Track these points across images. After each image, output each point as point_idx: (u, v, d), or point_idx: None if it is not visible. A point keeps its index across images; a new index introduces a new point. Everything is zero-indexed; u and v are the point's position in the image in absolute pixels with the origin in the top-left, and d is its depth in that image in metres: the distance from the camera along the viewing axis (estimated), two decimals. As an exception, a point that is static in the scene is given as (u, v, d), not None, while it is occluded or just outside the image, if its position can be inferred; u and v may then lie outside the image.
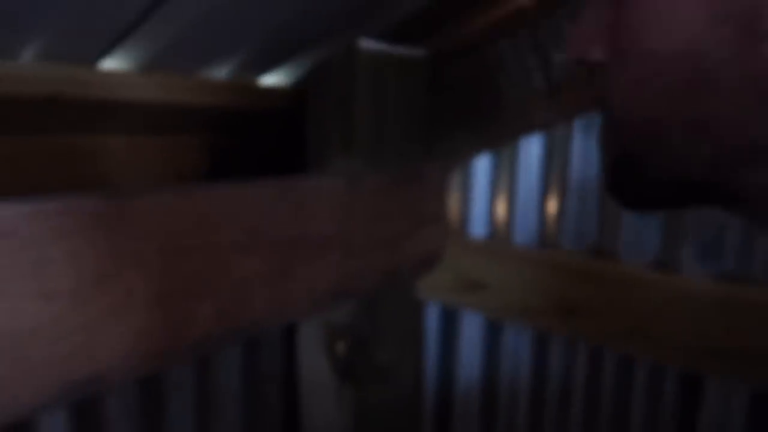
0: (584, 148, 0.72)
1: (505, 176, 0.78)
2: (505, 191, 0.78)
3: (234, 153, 0.75)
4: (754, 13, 0.21)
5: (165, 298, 0.41)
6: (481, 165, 0.79)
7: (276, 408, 0.71)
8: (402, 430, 0.77)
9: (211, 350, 0.59)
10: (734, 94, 0.22)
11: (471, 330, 0.82)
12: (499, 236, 0.78)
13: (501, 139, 0.74)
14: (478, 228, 0.80)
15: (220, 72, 0.67)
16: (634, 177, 0.27)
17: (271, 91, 0.73)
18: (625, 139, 0.26)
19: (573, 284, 0.69)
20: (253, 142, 0.76)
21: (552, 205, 0.75)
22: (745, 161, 0.23)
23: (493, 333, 0.80)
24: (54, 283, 0.35)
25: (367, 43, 0.66)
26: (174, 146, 0.72)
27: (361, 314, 0.69)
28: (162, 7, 0.52)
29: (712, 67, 0.22)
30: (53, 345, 0.35)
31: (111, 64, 0.58)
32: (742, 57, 0.22)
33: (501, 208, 0.79)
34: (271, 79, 0.72)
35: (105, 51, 0.56)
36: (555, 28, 0.64)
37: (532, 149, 0.75)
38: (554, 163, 0.74)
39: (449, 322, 0.84)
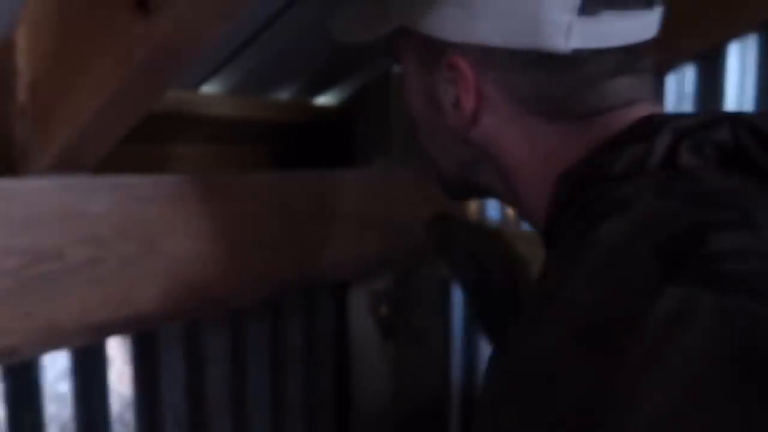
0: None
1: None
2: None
3: (292, 159, 0.93)
4: None
5: (267, 246, 0.59)
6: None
7: (329, 361, 0.88)
8: (433, 382, 0.92)
9: (289, 292, 0.77)
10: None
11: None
12: (508, 220, 0.95)
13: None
14: (492, 213, 0.97)
15: (284, 94, 0.86)
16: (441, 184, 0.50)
17: (323, 109, 0.91)
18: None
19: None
20: (308, 150, 0.94)
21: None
22: (471, 170, 0.45)
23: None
24: (205, 227, 0.53)
25: (397, 68, 0.84)
26: (248, 153, 0.90)
27: (400, 284, 0.86)
28: (247, 47, 0.71)
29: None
30: (199, 270, 0.53)
31: (207, 88, 0.77)
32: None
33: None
34: (323, 99, 0.91)
35: (205, 78, 0.74)
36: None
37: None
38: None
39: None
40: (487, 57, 0.40)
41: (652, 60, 0.40)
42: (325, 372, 0.87)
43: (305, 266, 0.66)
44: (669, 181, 0.33)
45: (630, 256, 0.30)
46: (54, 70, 0.45)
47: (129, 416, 0.73)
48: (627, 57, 0.38)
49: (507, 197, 0.45)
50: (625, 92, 0.39)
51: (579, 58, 0.37)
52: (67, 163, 0.48)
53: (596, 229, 0.32)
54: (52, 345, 0.46)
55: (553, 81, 0.39)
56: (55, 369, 0.64)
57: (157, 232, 0.52)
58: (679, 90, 0.76)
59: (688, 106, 0.76)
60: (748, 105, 0.73)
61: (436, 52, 0.41)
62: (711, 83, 0.74)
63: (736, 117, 0.35)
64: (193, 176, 0.55)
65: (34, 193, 0.46)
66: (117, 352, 1.04)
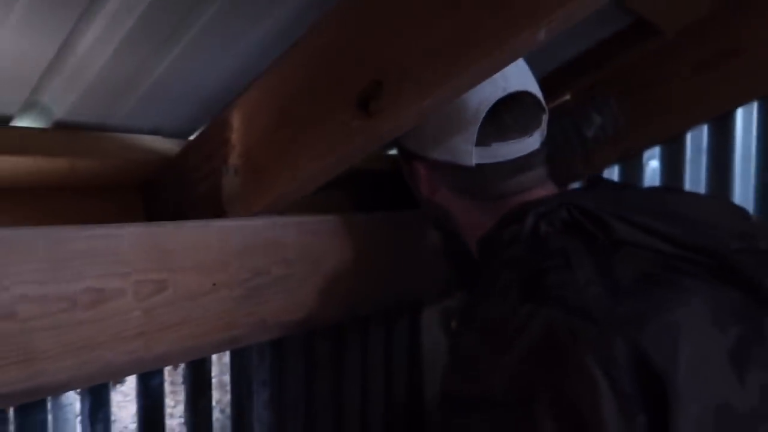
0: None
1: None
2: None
3: (368, 203, 1.13)
4: None
5: (377, 270, 0.78)
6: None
7: (404, 374, 1.05)
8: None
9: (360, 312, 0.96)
10: None
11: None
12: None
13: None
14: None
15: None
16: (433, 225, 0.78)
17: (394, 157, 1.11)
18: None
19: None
20: (381, 194, 1.14)
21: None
22: (443, 219, 0.74)
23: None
24: (346, 254, 0.72)
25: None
26: (332, 197, 1.09)
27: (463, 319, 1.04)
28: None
29: None
30: (344, 284, 0.72)
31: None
32: None
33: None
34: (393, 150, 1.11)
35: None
36: (586, 115, 1.01)
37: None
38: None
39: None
40: (431, 165, 0.70)
41: (542, 158, 0.68)
42: (401, 381, 1.05)
43: (400, 287, 0.85)
44: (531, 245, 0.60)
45: (508, 290, 0.56)
46: (266, 144, 0.64)
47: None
48: (515, 165, 0.66)
49: (465, 241, 0.74)
50: (517, 185, 0.67)
51: (482, 167, 0.66)
52: (268, 210, 0.67)
53: (497, 274, 0.59)
54: (260, 337, 0.65)
55: (470, 179, 0.68)
56: (221, 363, 0.82)
57: (320, 256, 0.71)
58: (697, 145, 0.97)
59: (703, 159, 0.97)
60: (751, 160, 0.93)
61: (409, 157, 0.72)
62: (722, 141, 0.95)
63: (572, 201, 0.60)
64: (342, 217, 0.75)
65: (250, 229, 0.65)
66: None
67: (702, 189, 0.98)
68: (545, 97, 1.05)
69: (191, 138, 0.82)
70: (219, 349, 0.61)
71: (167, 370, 0.74)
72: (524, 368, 0.51)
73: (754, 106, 0.93)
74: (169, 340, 0.56)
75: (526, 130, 0.65)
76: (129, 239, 0.53)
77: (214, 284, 0.59)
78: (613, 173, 1.07)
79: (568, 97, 1.05)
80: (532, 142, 0.66)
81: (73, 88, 0.64)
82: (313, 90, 0.59)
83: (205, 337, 0.59)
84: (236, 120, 0.67)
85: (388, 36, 0.53)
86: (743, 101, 0.92)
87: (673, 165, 1.00)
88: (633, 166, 1.04)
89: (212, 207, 0.70)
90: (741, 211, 0.65)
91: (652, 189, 0.88)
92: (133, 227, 0.53)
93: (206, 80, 0.71)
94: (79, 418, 0.66)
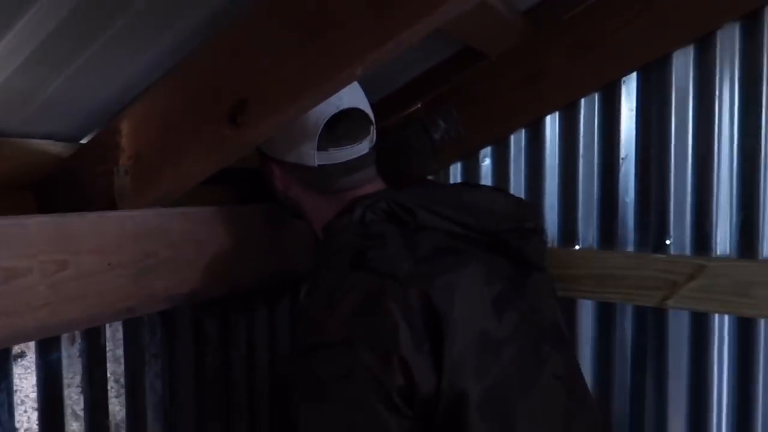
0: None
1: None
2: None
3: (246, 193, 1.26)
4: None
5: (258, 252, 0.93)
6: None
7: (286, 346, 1.21)
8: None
9: (240, 288, 1.10)
10: None
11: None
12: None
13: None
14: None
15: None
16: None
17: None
18: None
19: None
20: (256, 186, 1.28)
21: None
22: (296, 210, 0.95)
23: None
24: (227, 239, 0.86)
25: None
26: (212, 192, 1.22)
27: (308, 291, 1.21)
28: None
29: None
30: (226, 265, 0.87)
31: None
32: None
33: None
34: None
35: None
36: (433, 120, 1.21)
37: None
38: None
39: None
40: (284, 166, 0.88)
41: (371, 161, 0.88)
42: (284, 352, 1.20)
43: (275, 267, 1.01)
44: (358, 229, 0.79)
45: (342, 260, 0.75)
46: (153, 149, 0.77)
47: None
48: (348, 166, 0.85)
49: (315, 230, 0.92)
50: (350, 181, 0.86)
51: (323, 167, 0.84)
52: (155, 203, 0.80)
53: (333, 253, 0.78)
54: (151, 308, 0.78)
55: (314, 177, 0.86)
56: (114, 339, 0.93)
57: (203, 241, 0.85)
58: (518, 146, 1.21)
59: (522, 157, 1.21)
60: (556, 157, 1.18)
61: (266, 160, 0.90)
62: (536, 143, 1.19)
63: (390, 196, 0.81)
64: (220, 208, 0.89)
65: (141, 218, 0.77)
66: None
67: (522, 181, 1.22)
68: (402, 106, 1.24)
69: (82, 142, 0.92)
70: (117, 318, 0.73)
71: (64, 345, 0.85)
72: (350, 318, 0.70)
73: (557, 115, 1.18)
74: (71, 310, 0.68)
75: (356, 139, 0.84)
76: (36, 226, 0.64)
77: (110, 264, 0.72)
78: (456, 169, 1.28)
79: (419, 105, 1.25)
80: (362, 148, 0.85)
81: (-26, 98, 0.73)
82: (193, 105, 0.73)
83: (103, 307, 0.71)
84: (126, 127, 0.80)
85: (253, 65, 0.69)
86: (549, 112, 1.17)
87: (501, 162, 1.24)
88: (471, 164, 1.26)
89: (104, 203, 0.81)
90: (516, 199, 0.90)
91: (454, 186, 1.15)
92: (40, 217, 0.65)
93: (97, 93, 0.82)
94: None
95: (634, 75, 1.12)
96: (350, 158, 0.84)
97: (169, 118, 0.75)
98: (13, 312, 0.62)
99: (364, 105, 0.86)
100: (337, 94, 0.77)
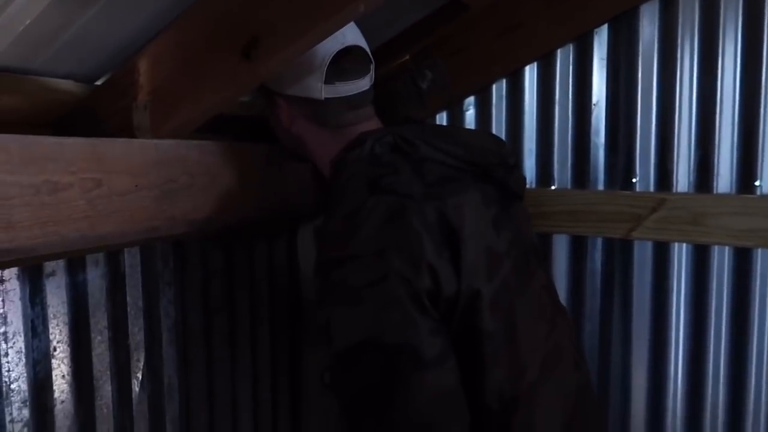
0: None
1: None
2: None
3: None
4: None
5: (262, 185, 1.02)
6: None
7: (284, 278, 1.31)
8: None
9: (248, 219, 1.19)
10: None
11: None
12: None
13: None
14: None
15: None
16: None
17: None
18: None
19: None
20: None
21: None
22: (297, 147, 1.03)
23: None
24: (235, 171, 0.95)
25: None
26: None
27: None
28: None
29: None
30: (236, 194, 0.95)
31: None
32: None
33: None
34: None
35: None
36: (421, 71, 1.30)
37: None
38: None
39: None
40: (291, 100, 0.94)
41: (371, 98, 0.96)
42: (282, 283, 1.30)
43: (279, 202, 1.10)
44: (370, 160, 0.87)
45: (358, 187, 0.83)
46: (171, 85, 0.85)
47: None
48: (352, 101, 0.93)
49: (317, 165, 1.00)
50: (354, 117, 0.95)
51: (329, 101, 0.92)
52: (172, 136, 0.87)
53: (347, 182, 0.86)
54: (171, 230, 0.86)
55: (320, 110, 0.94)
56: (133, 265, 1.01)
57: (216, 172, 0.93)
58: (499, 94, 1.30)
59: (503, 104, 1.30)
60: (534, 104, 1.28)
61: (273, 96, 0.96)
62: (515, 91, 1.28)
63: (395, 132, 0.89)
64: (230, 143, 0.97)
65: (163, 146, 0.85)
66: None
67: (503, 127, 1.32)
68: (392, 58, 1.32)
69: (98, 82, 0.99)
70: (142, 236, 0.82)
71: (89, 267, 0.93)
72: (377, 232, 0.78)
73: (535, 66, 1.27)
74: (106, 224, 0.76)
75: (359, 74, 0.92)
76: (75, 146, 0.72)
77: (137, 185, 0.80)
78: (442, 117, 1.38)
79: (407, 57, 1.33)
80: (364, 84, 0.94)
81: (5, 36, 0.79)
82: (208, 42, 0.81)
83: (132, 224, 0.79)
84: (144, 65, 0.87)
85: (263, 5, 0.76)
86: (527, 62, 1.26)
87: (483, 110, 1.33)
88: (456, 112, 1.35)
89: (124, 137, 0.89)
90: (499, 140, 1.00)
91: (447, 125, 1.27)
92: (78, 139, 0.72)
93: (117, 33, 0.89)
94: (20, 301, 0.84)
95: (605, 27, 1.22)
96: (354, 93, 0.92)
97: (187, 55, 0.83)
98: (59, 221, 0.70)
99: (364, 44, 0.94)
100: (341, 32, 0.85)
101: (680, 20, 1.16)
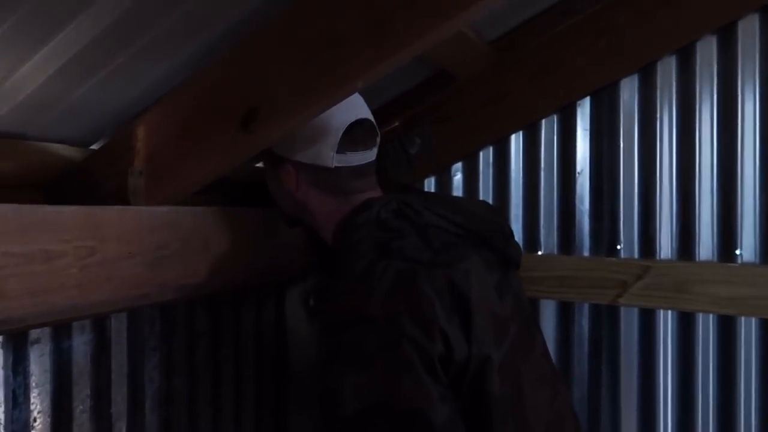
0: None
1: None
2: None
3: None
4: None
5: (250, 250, 1.02)
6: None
7: (271, 340, 1.29)
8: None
9: (238, 283, 1.18)
10: None
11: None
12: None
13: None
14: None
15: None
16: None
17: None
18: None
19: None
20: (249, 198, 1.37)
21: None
22: (300, 214, 1.02)
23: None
24: (225, 235, 0.95)
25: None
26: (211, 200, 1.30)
27: (320, 281, 1.30)
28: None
29: None
30: (227, 260, 0.95)
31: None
32: None
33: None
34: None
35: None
36: (410, 137, 1.33)
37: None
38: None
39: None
40: (299, 166, 0.95)
41: (374, 168, 0.98)
42: (269, 345, 1.28)
43: (269, 267, 1.09)
44: (377, 224, 0.88)
45: (367, 249, 0.85)
46: (167, 152, 0.86)
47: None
48: (359, 170, 0.95)
49: (317, 230, 1.00)
50: (360, 185, 0.96)
51: (338, 169, 0.93)
52: (166, 202, 0.88)
53: (355, 246, 0.86)
54: (162, 297, 0.85)
55: (329, 178, 0.94)
56: (119, 331, 0.99)
57: (208, 237, 0.93)
58: (486, 161, 1.34)
59: (490, 171, 1.33)
60: (520, 171, 1.31)
61: (279, 161, 0.96)
62: (502, 158, 1.32)
63: (399, 198, 0.91)
64: (224, 209, 0.98)
65: (156, 213, 0.85)
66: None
67: (490, 193, 1.34)
68: (382, 124, 1.36)
69: (93, 147, 1.00)
70: (133, 303, 0.81)
71: (75, 334, 0.92)
72: (388, 296, 0.78)
73: (521, 134, 1.32)
74: (98, 293, 0.75)
75: (368, 145, 0.94)
76: (70, 215, 0.72)
77: (130, 253, 0.80)
78: (430, 183, 1.40)
79: (397, 123, 1.37)
80: (370, 155, 0.96)
81: (6, 102, 0.81)
82: (207, 112, 0.83)
83: (124, 292, 0.79)
84: (142, 131, 0.88)
85: (262, 77, 0.78)
86: (513, 130, 1.31)
87: (471, 176, 1.36)
88: (444, 177, 1.38)
89: (117, 202, 0.89)
90: (495, 209, 1.02)
91: (444, 194, 1.30)
92: (73, 207, 0.73)
93: (114, 101, 0.90)
94: (3, 370, 0.82)
95: (587, 99, 1.27)
96: (361, 163, 0.94)
97: (185, 123, 0.84)
98: (50, 290, 0.69)
99: (372, 118, 0.97)
100: (353, 104, 0.88)
101: (658, 93, 1.22)
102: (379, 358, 0.75)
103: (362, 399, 0.75)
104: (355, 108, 0.92)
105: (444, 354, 0.77)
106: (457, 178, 1.37)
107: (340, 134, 0.91)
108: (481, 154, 1.35)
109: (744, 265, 1.14)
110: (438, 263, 0.82)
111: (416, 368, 0.74)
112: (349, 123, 0.91)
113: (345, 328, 0.79)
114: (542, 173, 1.30)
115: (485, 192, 1.35)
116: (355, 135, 0.92)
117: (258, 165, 1.31)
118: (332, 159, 0.92)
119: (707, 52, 1.18)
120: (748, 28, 1.15)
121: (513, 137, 1.32)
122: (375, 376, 0.75)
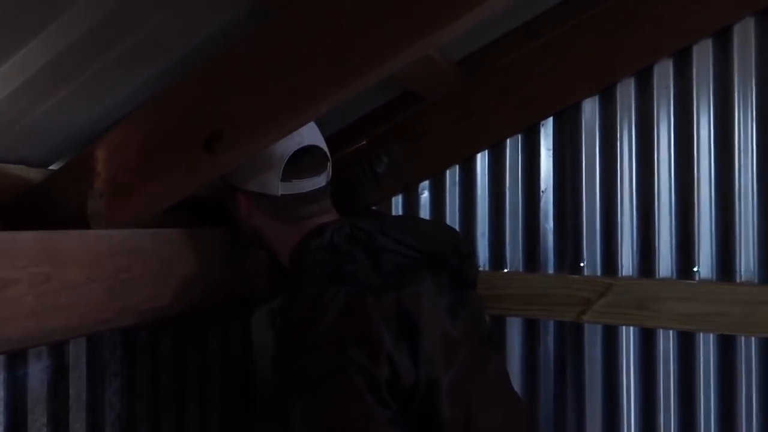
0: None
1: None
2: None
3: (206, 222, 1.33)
4: None
5: (212, 272, 1.01)
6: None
7: (237, 361, 1.27)
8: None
9: (203, 305, 1.16)
10: None
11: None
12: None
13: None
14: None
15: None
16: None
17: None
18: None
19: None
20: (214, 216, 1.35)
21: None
22: (256, 238, 1.04)
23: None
24: (189, 258, 0.94)
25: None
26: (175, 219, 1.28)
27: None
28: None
29: None
30: (190, 281, 0.93)
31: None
32: None
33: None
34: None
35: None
36: (378, 156, 1.34)
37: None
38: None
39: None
40: (249, 195, 0.96)
41: (327, 193, 0.98)
42: (235, 368, 1.26)
43: (234, 288, 1.08)
44: (329, 249, 0.89)
45: (317, 274, 0.85)
46: (129, 173, 0.84)
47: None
48: (308, 197, 0.95)
49: (275, 254, 1.01)
50: (311, 211, 0.96)
51: (286, 197, 0.94)
52: (127, 225, 0.86)
53: (307, 270, 0.87)
54: (123, 321, 0.83)
55: (277, 205, 0.95)
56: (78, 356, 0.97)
57: (171, 259, 0.92)
58: (453, 179, 1.35)
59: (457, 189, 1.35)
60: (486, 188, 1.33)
61: (232, 189, 0.97)
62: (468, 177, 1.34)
63: (352, 223, 0.92)
64: (186, 230, 0.96)
65: (117, 237, 0.84)
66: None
67: (456, 211, 1.36)
68: (349, 143, 1.36)
69: (52, 167, 0.97)
70: (93, 329, 0.79)
71: (31, 361, 0.89)
72: (336, 322, 0.79)
73: (486, 153, 1.33)
74: (54, 320, 0.73)
75: (315, 172, 0.95)
76: (25, 241, 0.70)
77: (88, 278, 0.78)
78: (398, 201, 1.41)
79: (364, 142, 1.37)
80: (319, 181, 0.97)
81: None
82: (170, 133, 0.82)
83: (82, 318, 0.77)
84: (102, 153, 0.86)
85: (227, 98, 0.78)
86: (479, 149, 1.32)
87: (438, 194, 1.37)
88: (411, 196, 1.39)
89: (76, 225, 0.87)
90: (453, 230, 1.04)
91: (400, 216, 1.32)
92: (28, 233, 0.71)
93: (74, 122, 0.89)
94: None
95: (550, 119, 1.29)
96: (309, 189, 0.94)
97: (147, 145, 0.83)
98: (3, 319, 0.67)
99: (322, 143, 0.97)
100: (298, 132, 0.88)
101: (618, 114, 1.25)
102: (326, 384, 0.76)
103: (311, 425, 0.76)
104: (300, 135, 0.92)
105: (391, 378, 0.77)
106: (424, 196, 1.38)
107: (284, 162, 0.92)
108: (447, 172, 1.36)
109: (701, 282, 1.17)
110: (388, 287, 0.83)
111: (363, 394, 0.75)
112: (292, 151, 0.92)
113: (294, 355, 0.80)
114: (507, 191, 1.32)
115: (452, 210, 1.36)
116: (301, 163, 0.93)
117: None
118: (278, 188, 0.93)
119: (664, 74, 1.22)
120: (703, 52, 1.19)
121: (479, 156, 1.34)
122: (323, 402, 0.76)
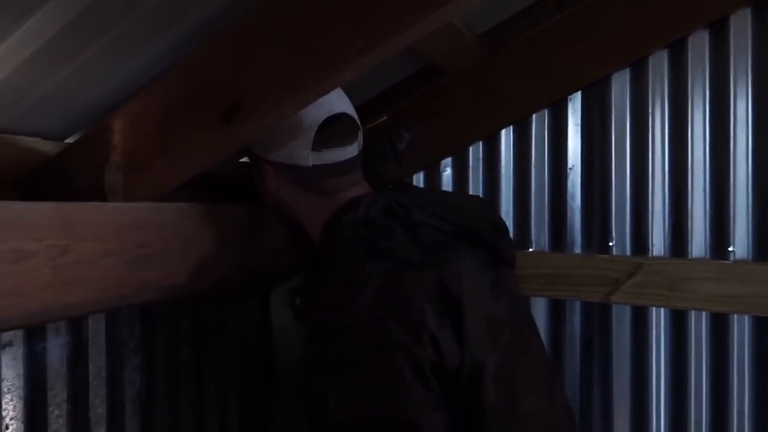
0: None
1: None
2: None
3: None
4: None
5: (236, 249, 0.98)
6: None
7: (256, 340, 1.25)
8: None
9: (221, 283, 1.14)
10: None
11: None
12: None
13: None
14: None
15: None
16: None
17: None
18: None
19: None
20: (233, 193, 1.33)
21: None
22: (284, 213, 1.01)
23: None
24: (208, 233, 0.92)
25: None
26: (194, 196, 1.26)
27: (307, 281, 1.27)
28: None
29: None
30: (211, 258, 0.91)
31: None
32: None
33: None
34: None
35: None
36: (398, 132, 1.30)
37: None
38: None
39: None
40: (277, 166, 0.92)
41: (359, 164, 0.95)
42: (254, 347, 1.25)
43: (254, 265, 1.06)
44: (364, 224, 0.84)
45: (354, 251, 0.81)
46: (146, 146, 0.82)
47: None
48: (340, 167, 0.91)
49: (305, 229, 0.97)
50: (343, 182, 0.92)
51: (317, 167, 0.90)
52: (145, 198, 0.84)
53: (341, 246, 0.83)
54: (142, 297, 0.81)
55: (308, 177, 0.91)
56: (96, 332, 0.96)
57: (190, 234, 0.90)
58: (476, 156, 1.31)
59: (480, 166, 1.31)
60: (510, 166, 1.29)
61: (258, 161, 0.94)
62: (492, 154, 1.30)
63: (389, 196, 0.88)
64: (207, 205, 0.94)
65: (136, 210, 0.82)
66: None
67: (480, 189, 1.32)
68: (369, 119, 1.33)
69: (68, 140, 0.95)
70: (111, 305, 0.77)
71: (50, 336, 0.88)
72: (375, 300, 0.75)
73: (511, 129, 1.29)
74: (72, 294, 0.71)
75: (347, 141, 0.91)
76: (42, 212, 0.68)
77: (106, 251, 0.76)
78: (419, 178, 1.37)
79: (385, 118, 1.34)
80: (351, 150, 0.93)
81: (-26, 93, 0.76)
82: (188, 104, 0.79)
83: (100, 293, 0.75)
84: (119, 125, 0.84)
85: (246, 68, 0.75)
86: (503, 125, 1.28)
87: (460, 172, 1.34)
88: (433, 173, 1.36)
89: (92, 198, 0.85)
90: (488, 203, 0.99)
91: (436, 189, 1.25)
92: (46, 204, 0.69)
93: (90, 92, 0.86)
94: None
95: (578, 94, 1.25)
96: (341, 160, 0.90)
97: (165, 116, 0.80)
98: (21, 292, 0.65)
99: (352, 111, 0.93)
100: (328, 99, 0.84)
101: (650, 88, 1.20)
102: (364, 366, 0.72)
103: (349, 408, 0.71)
104: (329, 103, 0.88)
105: (435, 360, 0.73)
106: (447, 173, 1.35)
107: (314, 132, 0.87)
108: (470, 149, 1.32)
109: (737, 262, 1.13)
110: (428, 264, 0.78)
111: (405, 376, 0.71)
112: (322, 119, 0.88)
113: (331, 335, 0.76)
114: (533, 169, 1.28)
115: (475, 188, 1.32)
116: (330, 131, 0.89)
117: (242, 160, 1.28)
118: (308, 157, 0.88)
119: (699, 47, 1.16)
120: (740, 23, 1.13)
121: (503, 132, 1.30)
122: (362, 384, 0.72)
